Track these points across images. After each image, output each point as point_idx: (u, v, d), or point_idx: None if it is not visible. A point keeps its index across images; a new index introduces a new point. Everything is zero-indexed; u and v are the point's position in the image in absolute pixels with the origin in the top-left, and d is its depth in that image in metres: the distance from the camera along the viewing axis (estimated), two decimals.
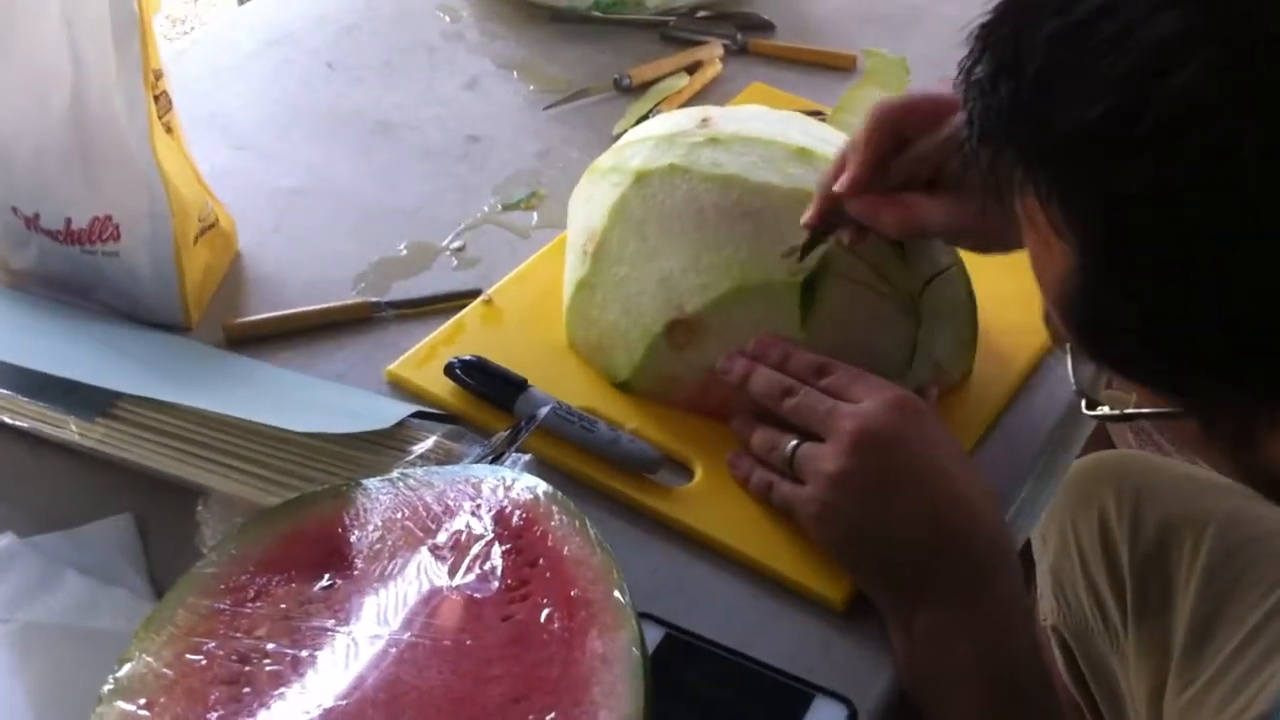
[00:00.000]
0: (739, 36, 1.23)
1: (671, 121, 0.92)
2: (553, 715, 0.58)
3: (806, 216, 0.83)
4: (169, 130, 0.88)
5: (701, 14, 1.26)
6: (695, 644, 0.73)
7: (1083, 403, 0.65)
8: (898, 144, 0.81)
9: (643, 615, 0.67)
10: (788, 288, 0.84)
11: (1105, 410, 0.64)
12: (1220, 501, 1.08)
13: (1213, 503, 1.08)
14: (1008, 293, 0.94)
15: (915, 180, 0.81)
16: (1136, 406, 0.61)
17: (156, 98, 0.86)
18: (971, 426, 0.89)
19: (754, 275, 0.84)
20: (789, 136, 0.88)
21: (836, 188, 0.82)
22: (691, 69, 1.18)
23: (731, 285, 0.84)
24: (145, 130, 0.84)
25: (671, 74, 1.17)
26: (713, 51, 1.20)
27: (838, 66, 1.22)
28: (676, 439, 0.86)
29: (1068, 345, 0.64)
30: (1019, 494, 0.89)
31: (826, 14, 1.29)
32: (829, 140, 0.90)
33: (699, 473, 0.84)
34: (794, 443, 0.79)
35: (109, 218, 0.88)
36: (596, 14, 1.25)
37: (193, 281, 0.91)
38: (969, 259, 0.91)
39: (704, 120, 0.90)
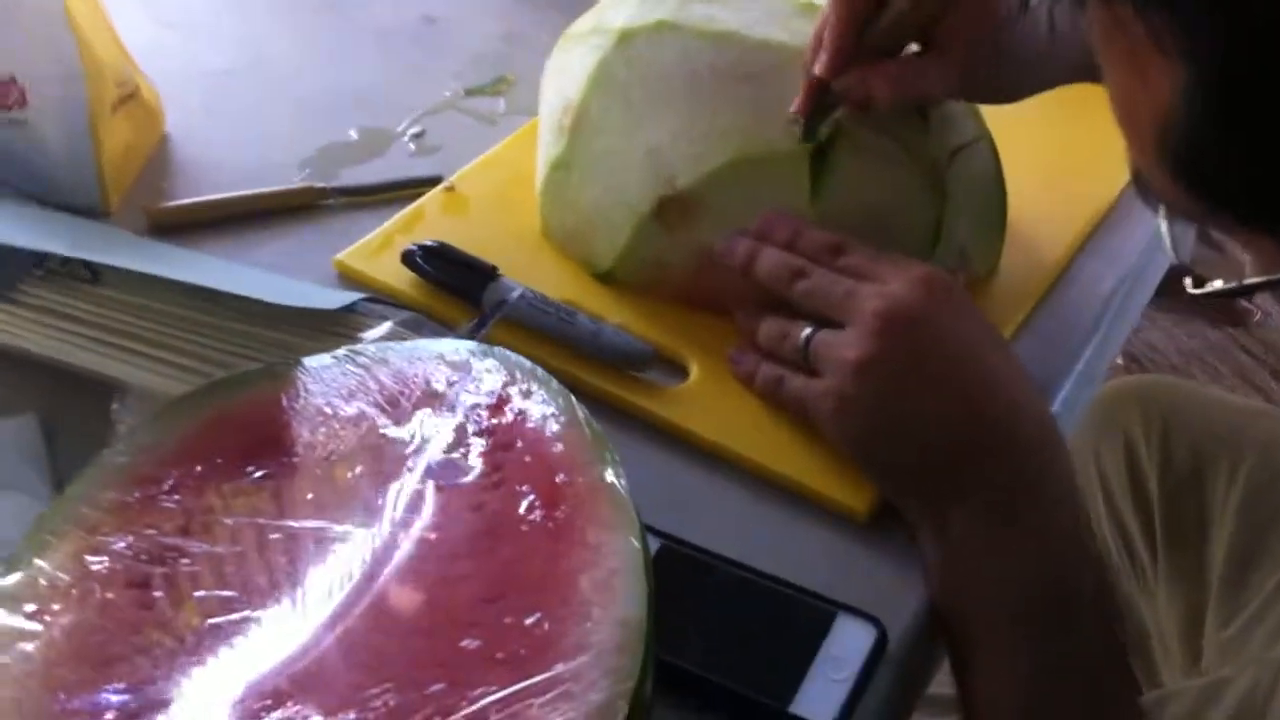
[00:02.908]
0: None
1: None
2: (536, 616, 0.47)
3: (795, 105, 0.73)
4: None
5: None
6: (699, 557, 0.62)
7: (1187, 280, 0.54)
8: (871, 7, 0.70)
9: None
10: (795, 158, 0.73)
11: (1218, 285, 0.52)
12: (1257, 427, 1.00)
13: (1249, 428, 1.00)
14: (1036, 176, 0.85)
15: (901, 43, 0.72)
16: (1254, 274, 0.50)
17: None
18: (1000, 327, 0.78)
19: (756, 144, 0.73)
20: None
21: (816, 71, 0.71)
22: None
23: (730, 156, 0.73)
24: None
25: None
26: None
27: None
28: (668, 334, 0.75)
29: (1162, 209, 0.53)
30: (1054, 401, 0.78)
31: None
32: None
33: (695, 371, 0.73)
34: (808, 330, 0.69)
35: (12, 79, 0.76)
36: None
37: (111, 158, 0.79)
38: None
39: None
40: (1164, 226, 0.54)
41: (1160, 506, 1.00)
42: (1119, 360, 1.91)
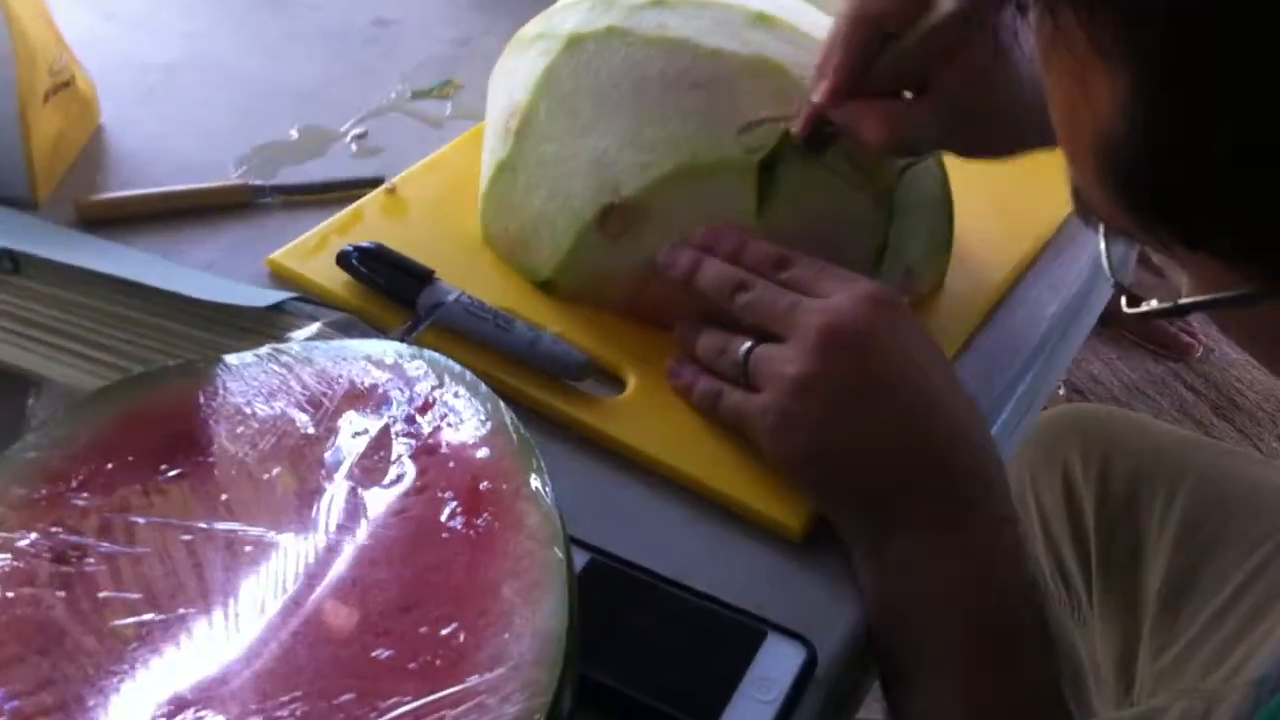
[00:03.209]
0: None
1: None
2: (453, 627, 0.45)
3: (795, 128, 0.72)
4: None
5: None
6: (628, 572, 0.61)
7: (1123, 300, 0.52)
8: (879, 41, 0.69)
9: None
10: (742, 169, 0.72)
11: (1153, 304, 0.50)
12: (1196, 455, 1.00)
13: (1185, 458, 0.99)
14: (984, 197, 0.84)
15: (902, 82, 0.70)
16: (1191, 295, 0.49)
17: None
18: (943, 346, 0.77)
19: (703, 153, 0.72)
20: (745, 1, 0.76)
21: (815, 97, 0.70)
22: None
23: (677, 164, 0.72)
24: None
25: None
26: None
27: None
28: (607, 345, 0.74)
29: (1101, 229, 0.52)
30: (994, 424, 0.78)
31: None
32: (790, 7, 0.78)
33: (632, 382, 0.72)
34: (748, 345, 0.68)
35: None
36: None
37: (41, 148, 0.77)
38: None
39: None
40: (1103, 247, 0.54)
41: (1096, 536, 0.99)
42: (1060, 391, 1.92)
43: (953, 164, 0.79)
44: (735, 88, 0.72)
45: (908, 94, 0.70)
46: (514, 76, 0.79)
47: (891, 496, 0.63)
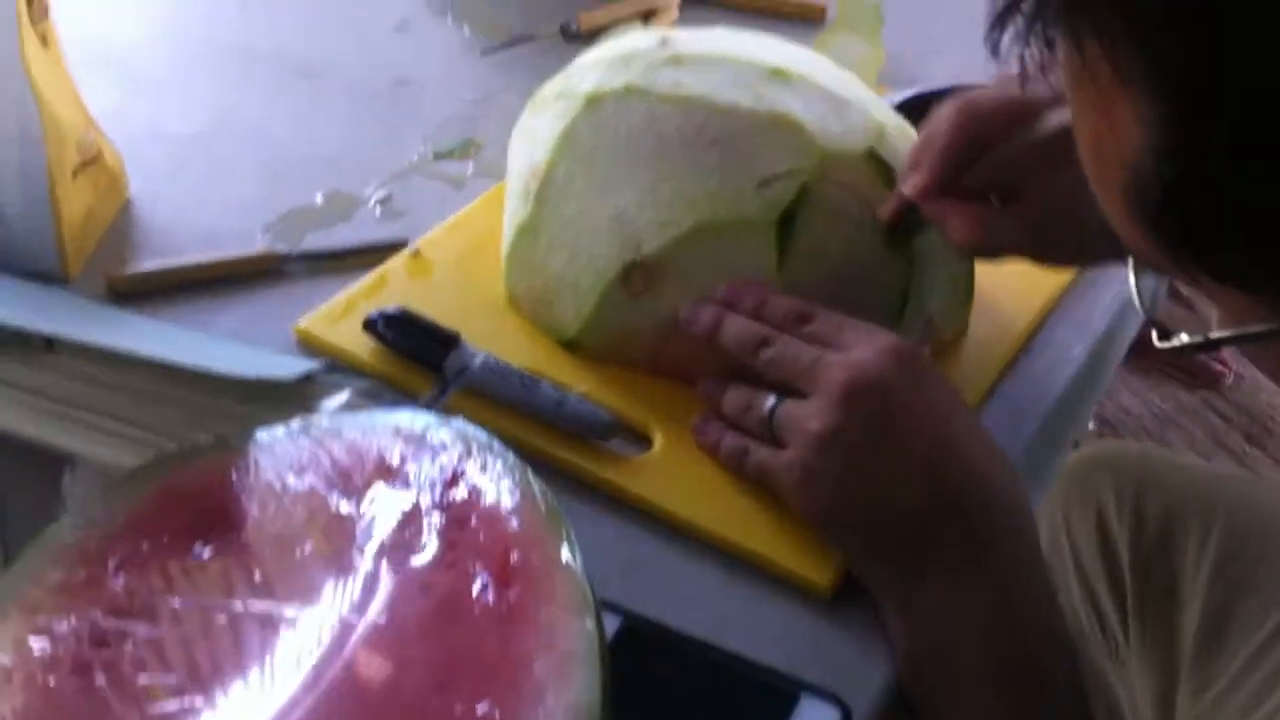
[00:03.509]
0: None
1: (627, 43, 0.81)
2: (485, 704, 0.45)
3: (884, 212, 0.74)
4: (44, 42, 0.75)
5: None
6: (659, 634, 0.61)
7: (1154, 334, 0.53)
8: (978, 147, 0.71)
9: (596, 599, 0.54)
10: (762, 223, 0.72)
11: (1183, 339, 0.51)
12: (1227, 492, 0.99)
13: (1219, 494, 0.98)
14: None
15: (992, 188, 0.72)
16: (1221, 328, 0.49)
17: (30, 1, 0.73)
18: (965, 395, 0.77)
19: (723, 210, 0.72)
20: (761, 56, 0.77)
21: (905, 191, 0.72)
22: (646, 16, 1.07)
23: (697, 221, 0.72)
24: (14, 36, 0.72)
25: (624, 20, 1.06)
26: None
27: (805, 17, 1.11)
28: (633, 403, 0.74)
29: (1130, 262, 0.53)
30: (1022, 469, 0.77)
31: None
32: (806, 61, 0.78)
33: (659, 440, 0.72)
34: (772, 400, 0.68)
35: None
36: None
37: (71, 224, 0.78)
38: None
39: (664, 40, 0.79)
40: (1133, 281, 0.54)
41: (1131, 575, 0.98)
42: (1091, 425, 1.91)
43: None
44: (753, 143, 0.73)
45: (995, 200, 0.72)
46: (534, 137, 0.80)
47: (918, 548, 0.63)
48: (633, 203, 0.73)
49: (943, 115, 0.71)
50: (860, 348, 0.66)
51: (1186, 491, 1.00)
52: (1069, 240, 0.71)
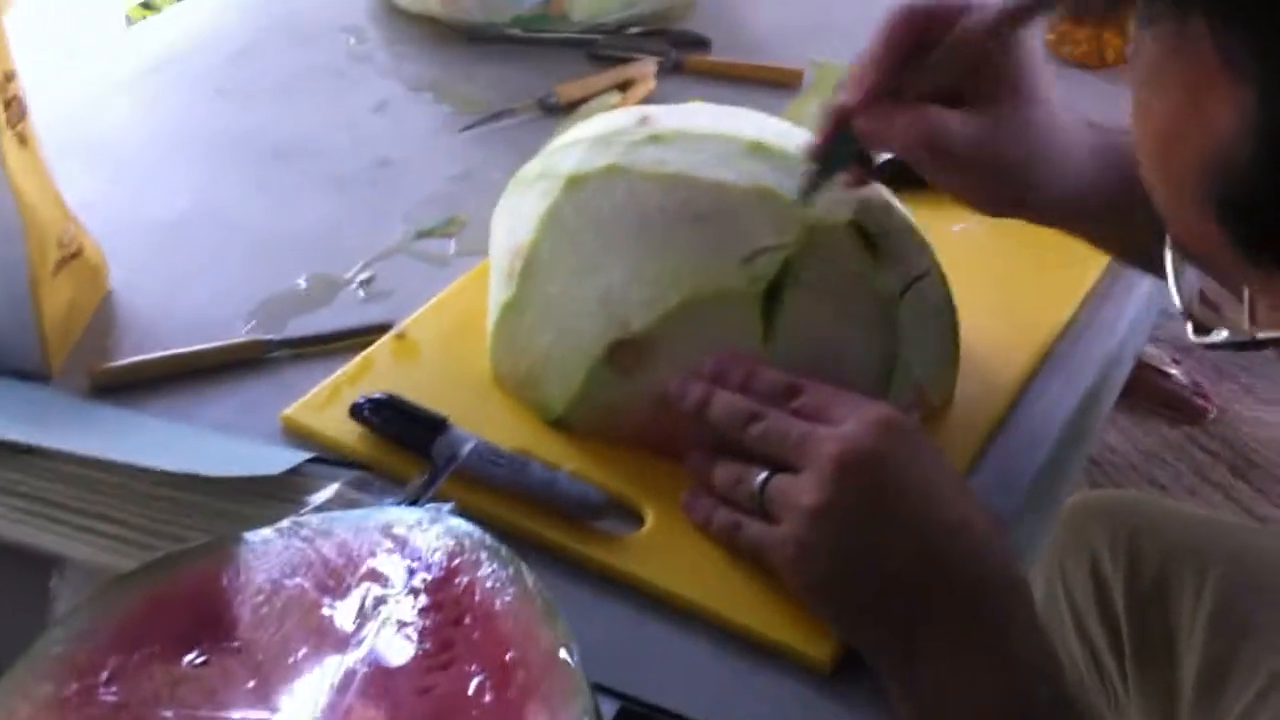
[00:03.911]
0: (673, 53, 1.13)
1: (607, 122, 0.81)
2: None
3: (812, 142, 0.72)
4: (22, 142, 0.76)
5: (632, 30, 1.16)
6: (657, 717, 0.61)
7: (1189, 327, 0.50)
8: (916, 51, 0.68)
9: (593, 685, 0.54)
10: (747, 297, 0.72)
11: (1223, 335, 0.49)
12: (1223, 539, 0.99)
13: (1215, 541, 0.99)
14: (987, 303, 0.85)
15: (934, 97, 0.69)
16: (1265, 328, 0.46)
17: (7, 103, 0.73)
18: (955, 457, 0.77)
19: (708, 285, 0.72)
20: (740, 130, 0.77)
21: (847, 99, 0.70)
22: (623, 87, 1.08)
23: (682, 297, 0.72)
24: None
25: (602, 92, 1.07)
26: (645, 69, 1.10)
27: (782, 82, 1.12)
28: (623, 480, 0.74)
29: (1170, 255, 0.50)
30: (1014, 527, 0.77)
31: (765, 29, 1.20)
32: (784, 133, 0.79)
33: (650, 518, 0.72)
34: (763, 475, 0.68)
35: None
36: (517, 32, 1.14)
37: (53, 319, 0.78)
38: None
39: (643, 119, 0.79)
40: (1171, 276, 0.51)
41: (1128, 623, 0.98)
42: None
43: (953, 271, 0.80)
44: (737, 218, 0.73)
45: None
46: (516, 216, 0.80)
47: (915, 621, 0.63)
48: (619, 281, 0.74)
49: (880, 24, 0.69)
50: (850, 420, 0.66)
51: (1181, 539, 1.00)
52: (1004, 158, 0.69)
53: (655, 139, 0.77)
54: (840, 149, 0.72)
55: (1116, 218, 0.72)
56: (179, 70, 1.09)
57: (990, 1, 0.67)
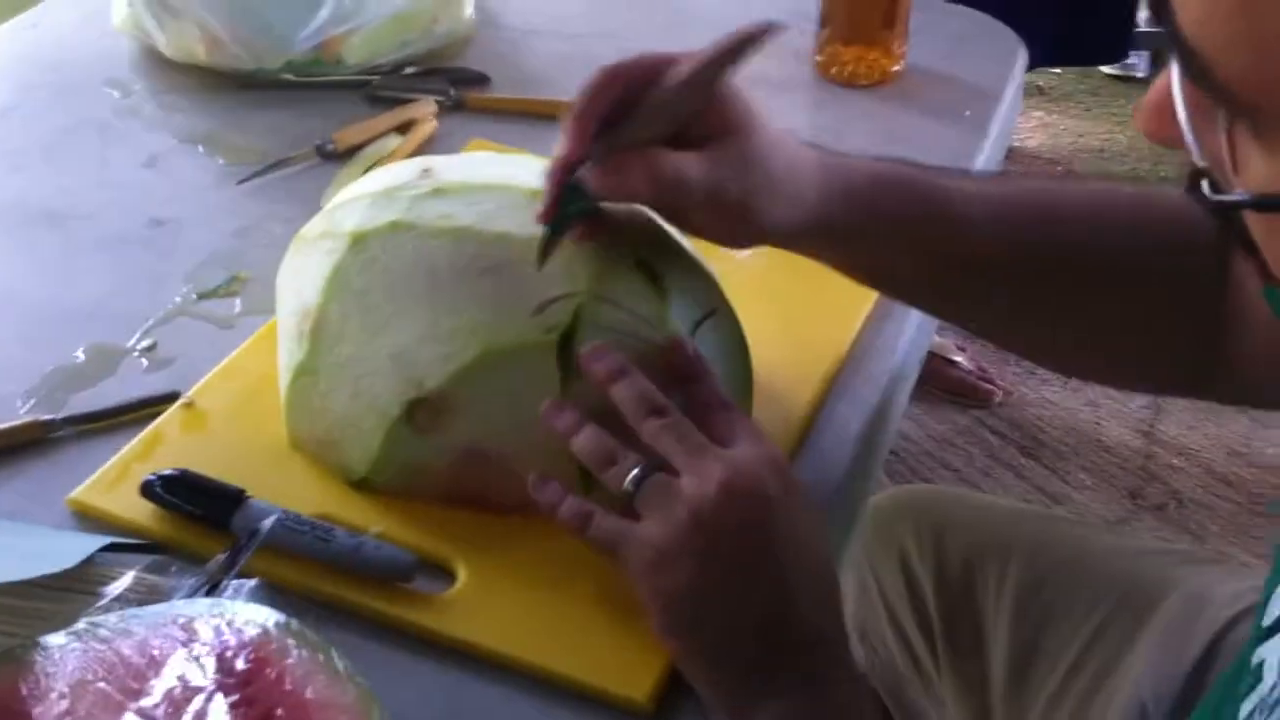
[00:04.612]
0: (453, 92, 1.13)
1: (388, 176, 0.80)
2: None
3: (538, 211, 0.72)
4: None
5: (409, 70, 1.16)
6: None
7: (1204, 184, 0.46)
8: (620, 107, 0.69)
9: None
10: (542, 347, 0.73)
11: (1239, 195, 0.45)
12: (1021, 528, 1.03)
13: (1015, 532, 1.03)
14: (772, 333, 0.86)
15: (655, 140, 0.70)
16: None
17: None
18: None
19: (501, 338, 0.72)
20: (522, 180, 0.77)
21: (558, 152, 0.70)
22: (404, 129, 1.07)
23: (477, 352, 0.72)
24: None
25: (381, 135, 1.06)
26: (425, 109, 1.09)
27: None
28: (431, 538, 0.74)
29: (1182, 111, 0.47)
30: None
31: (542, 64, 1.20)
32: None
33: (462, 574, 0.72)
34: (644, 465, 0.67)
35: None
36: (289, 77, 1.12)
37: None
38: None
39: (425, 171, 0.79)
40: (1188, 136, 0.47)
41: (938, 615, 1.02)
42: None
43: (739, 299, 0.81)
44: (525, 269, 0.73)
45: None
46: (302, 276, 0.79)
47: (759, 663, 0.64)
48: (411, 339, 0.73)
49: (582, 87, 0.70)
50: (743, 447, 0.67)
51: (984, 531, 1.04)
52: (749, 195, 0.70)
53: (439, 192, 0.77)
54: (568, 206, 0.72)
55: (860, 237, 0.75)
56: None
57: (694, 51, 0.68)
